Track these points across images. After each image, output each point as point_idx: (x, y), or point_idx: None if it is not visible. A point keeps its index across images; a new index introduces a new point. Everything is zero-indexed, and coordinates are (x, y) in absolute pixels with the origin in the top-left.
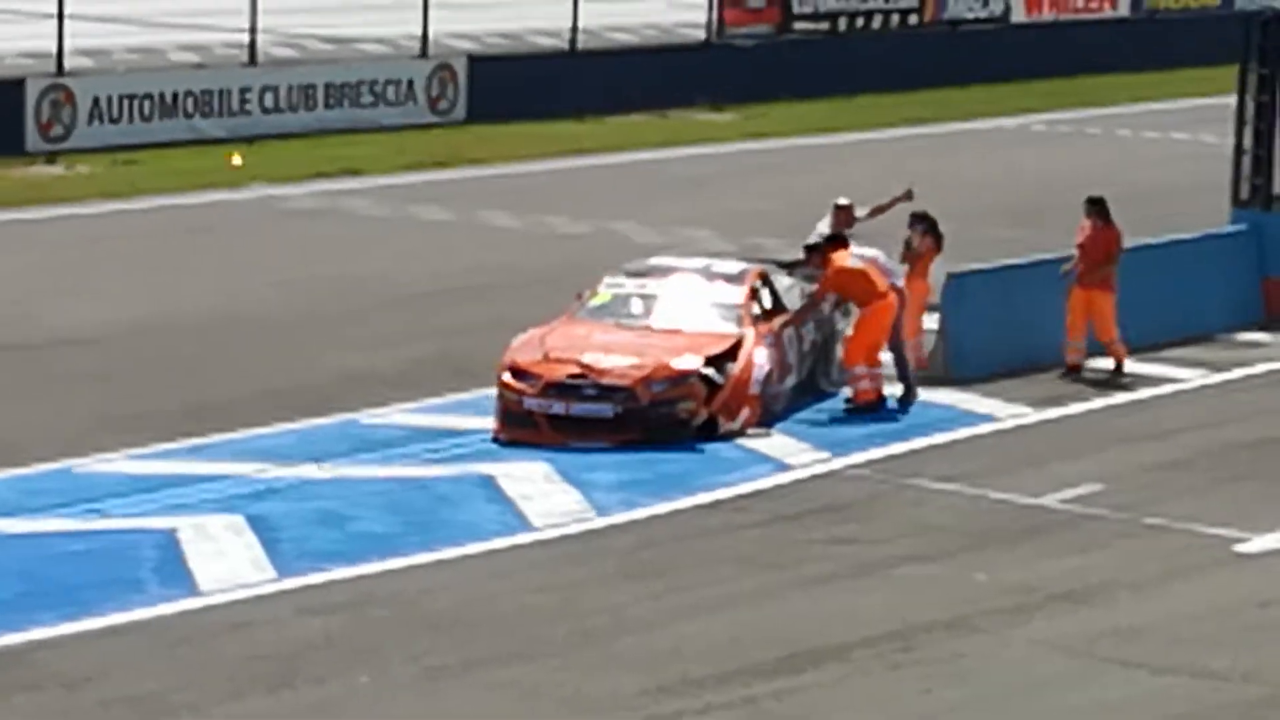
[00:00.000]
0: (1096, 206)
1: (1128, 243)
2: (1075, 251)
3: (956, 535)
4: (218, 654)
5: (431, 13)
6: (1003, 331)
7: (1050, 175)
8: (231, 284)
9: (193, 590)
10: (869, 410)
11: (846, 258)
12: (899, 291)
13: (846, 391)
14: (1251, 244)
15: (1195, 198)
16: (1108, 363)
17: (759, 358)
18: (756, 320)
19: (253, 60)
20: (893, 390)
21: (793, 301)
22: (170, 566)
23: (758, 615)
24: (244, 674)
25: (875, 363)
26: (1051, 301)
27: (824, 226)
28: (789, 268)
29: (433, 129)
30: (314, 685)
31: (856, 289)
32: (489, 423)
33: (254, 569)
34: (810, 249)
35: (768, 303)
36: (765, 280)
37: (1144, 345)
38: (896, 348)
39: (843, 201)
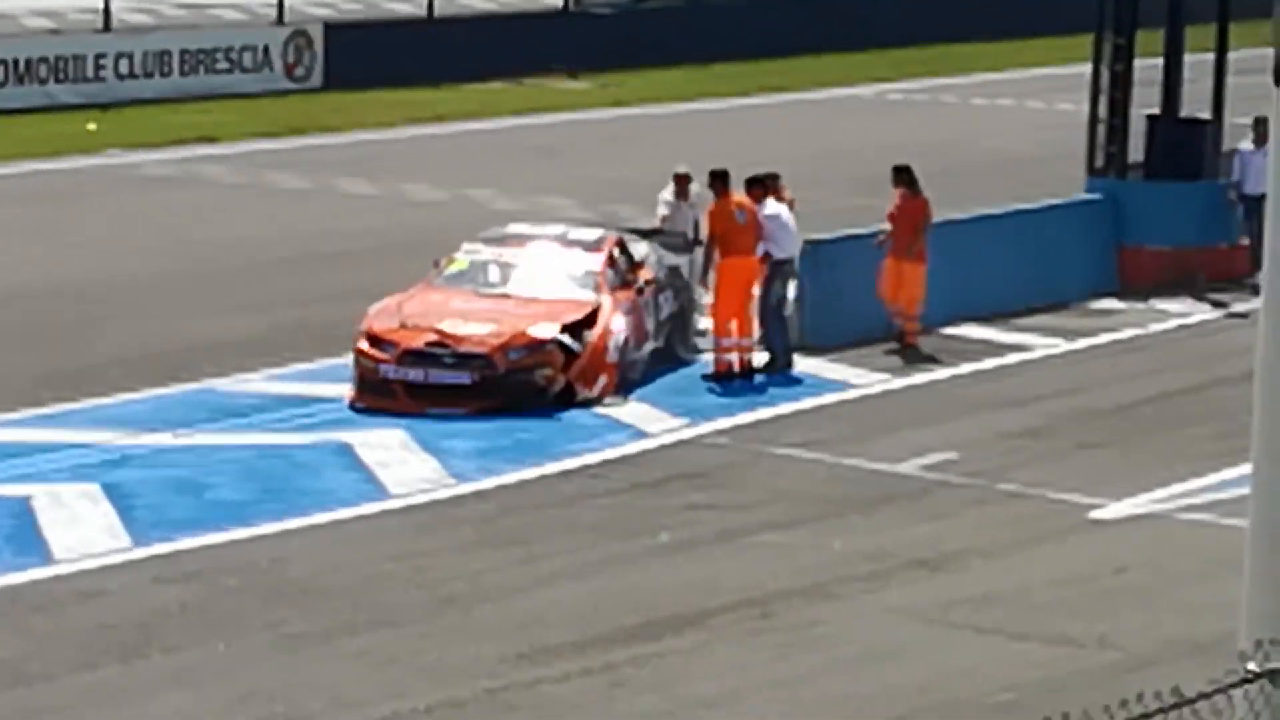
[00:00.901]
0: (904, 175)
1: (986, 210)
2: (887, 222)
3: (813, 502)
4: (71, 623)
5: None
6: (859, 300)
7: (905, 144)
8: (87, 251)
9: (47, 559)
10: (727, 379)
11: (741, 199)
12: (767, 258)
13: (709, 360)
14: (1107, 212)
15: (1051, 166)
16: (972, 331)
17: (616, 325)
18: (614, 287)
19: (107, 26)
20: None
21: (650, 269)
22: (24, 535)
23: (616, 582)
24: (98, 643)
25: (744, 332)
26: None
27: (667, 194)
28: (645, 235)
29: (289, 96)
30: (169, 654)
31: (718, 231)
32: (346, 390)
33: (109, 537)
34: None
35: (624, 270)
36: (623, 247)
37: (1001, 313)
38: (763, 314)
39: (681, 169)
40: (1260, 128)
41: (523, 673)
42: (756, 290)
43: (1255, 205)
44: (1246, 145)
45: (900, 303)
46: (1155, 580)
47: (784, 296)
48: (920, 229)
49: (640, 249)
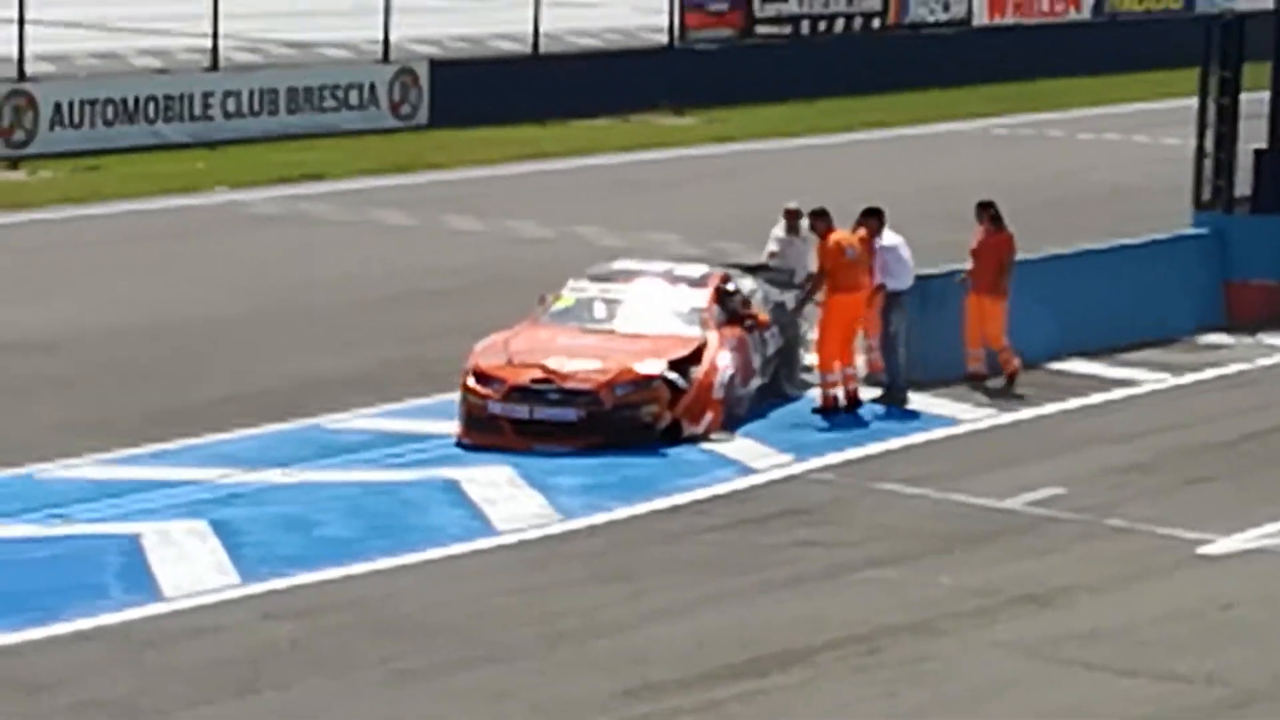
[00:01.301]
0: (988, 211)
1: (1091, 245)
2: (970, 258)
3: (919, 538)
4: (182, 659)
5: (393, 17)
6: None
7: (1012, 179)
8: (195, 289)
9: (157, 596)
10: (834, 413)
11: (843, 235)
12: (881, 289)
13: (815, 395)
14: (1213, 247)
15: (1157, 200)
16: (1079, 366)
17: (722, 361)
18: (720, 324)
19: (215, 65)
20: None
21: (757, 305)
22: (134, 572)
23: (722, 619)
24: (209, 679)
25: (847, 362)
26: (1012, 304)
27: (778, 230)
28: (751, 270)
29: (395, 133)
30: (279, 690)
31: (828, 267)
32: (453, 427)
33: (218, 574)
34: (816, 214)
35: (733, 306)
36: (728, 283)
37: (1108, 348)
38: (883, 347)
39: (791, 205)
40: None
41: (631, 709)
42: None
43: None
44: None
45: (987, 339)
46: (1264, 616)
47: (900, 329)
48: (1005, 265)
49: (746, 285)
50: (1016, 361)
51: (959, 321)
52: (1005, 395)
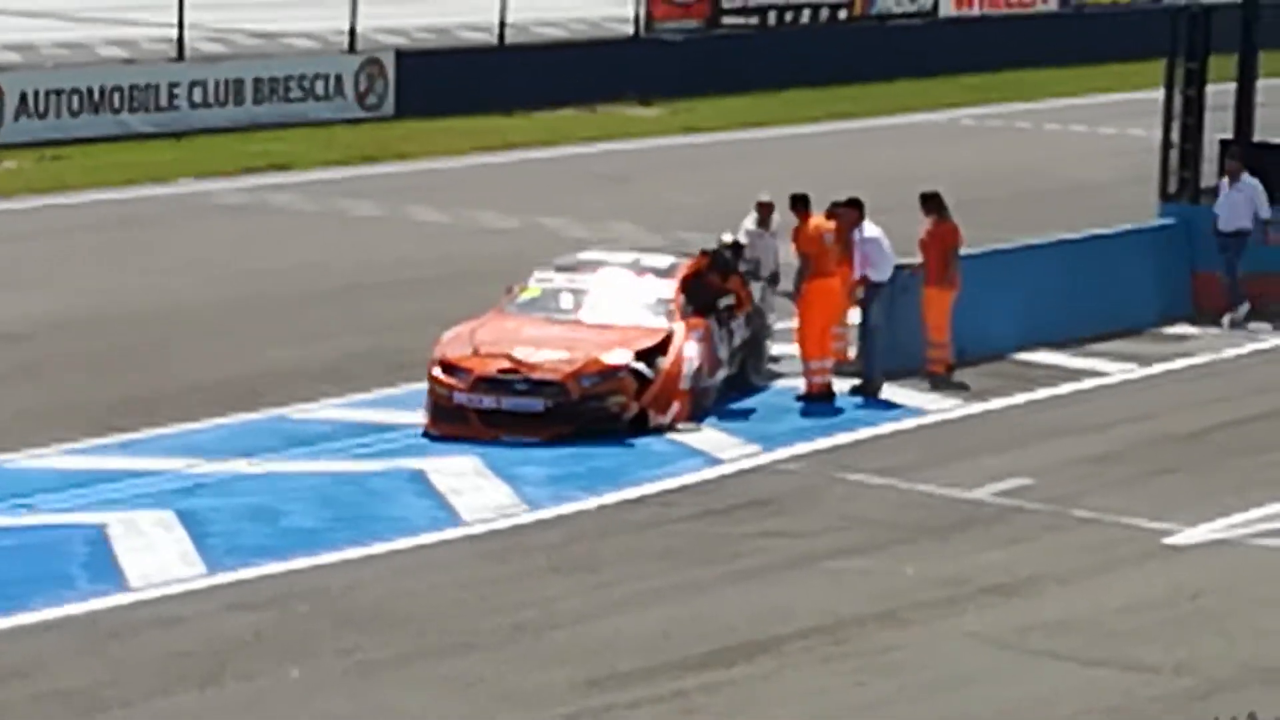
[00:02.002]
0: (933, 202)
1: (1059, 235)
2: (918, 250)
3: (886, 528)
4: (147, 649)
5: (360, 7)
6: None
7: (979, 170)
8: (160, 279)
9: (122, 586)
10: (820, 401)
11: (820, 221)
12: (863, 281)
13: (781, 385)
14: (1180, 237)
15: (1124, 191)
16: (1045, 357)
17: (689, 352)
18: (686, 314)
19: (181, 55)
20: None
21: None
22: (100, 562)
23: (688, 609)
24: (174, 670)
25: (827, 352)
26: (980, 295)
27: (749, 223)
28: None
29: (361, 124)
30: (243, 681)
31: (810, 252)
32: (419, 417)
33: (184, 564)
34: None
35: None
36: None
37: (1075, 338)
38: (861, 337)
39: (764, 198)
40: (1231, 163)
41: (595, 699)
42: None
43: (1228, 242)
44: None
45: (928, 330)
46: (1231, 606)
47: (880, 321)
48: (950, 256)
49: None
50: (945, 364)
51: (919, 313)
52: (971, 387)
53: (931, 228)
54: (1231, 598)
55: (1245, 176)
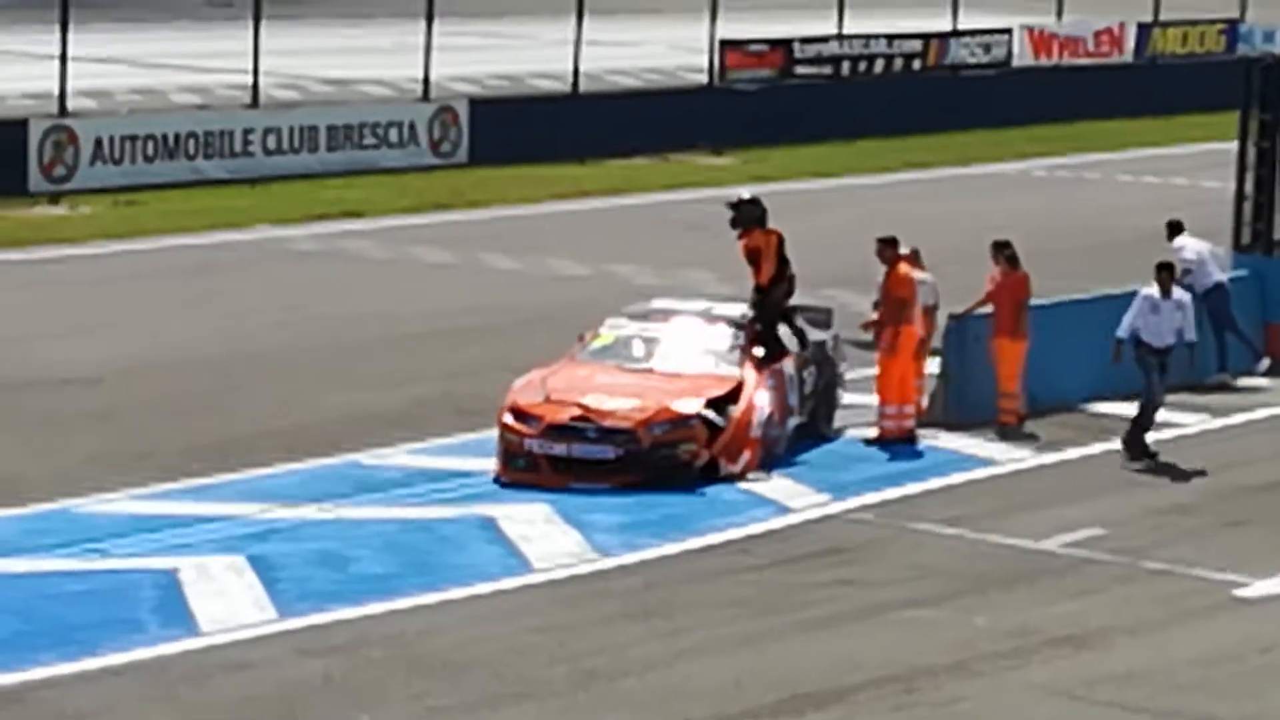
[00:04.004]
0: (1005, 250)
1: (1132, 287)
2: (986, 300)
3: (956, 579)
4: (218, 694)
5: (433, 55)
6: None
7: (1051, 220)
8: (234, 324)
9: (193, 630)
10: (896, 443)
11: (908, 267)
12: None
13: (855, 434)
14: (1253, 289)
15: None
16: (1118, 408)
17: (760, 400)
18: (758, 363)
19: (255, 102)
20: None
21: (793, 343)
22: (171, 606)
23: (759, 658)
24: (244, 714)
25: (907, 398)
26: (1050, 345)
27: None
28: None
29: (435, 171)
30: None
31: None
32: (491, 464)
33: (255, 609)
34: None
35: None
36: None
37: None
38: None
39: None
40: (1163, 274)
41: None
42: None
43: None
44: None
45: (1000, 381)
46: None
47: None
48: (1022, 306)
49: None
50: (1017, 415)
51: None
52: (1045, 437)
53: (1001, 278)
54: None
55: None
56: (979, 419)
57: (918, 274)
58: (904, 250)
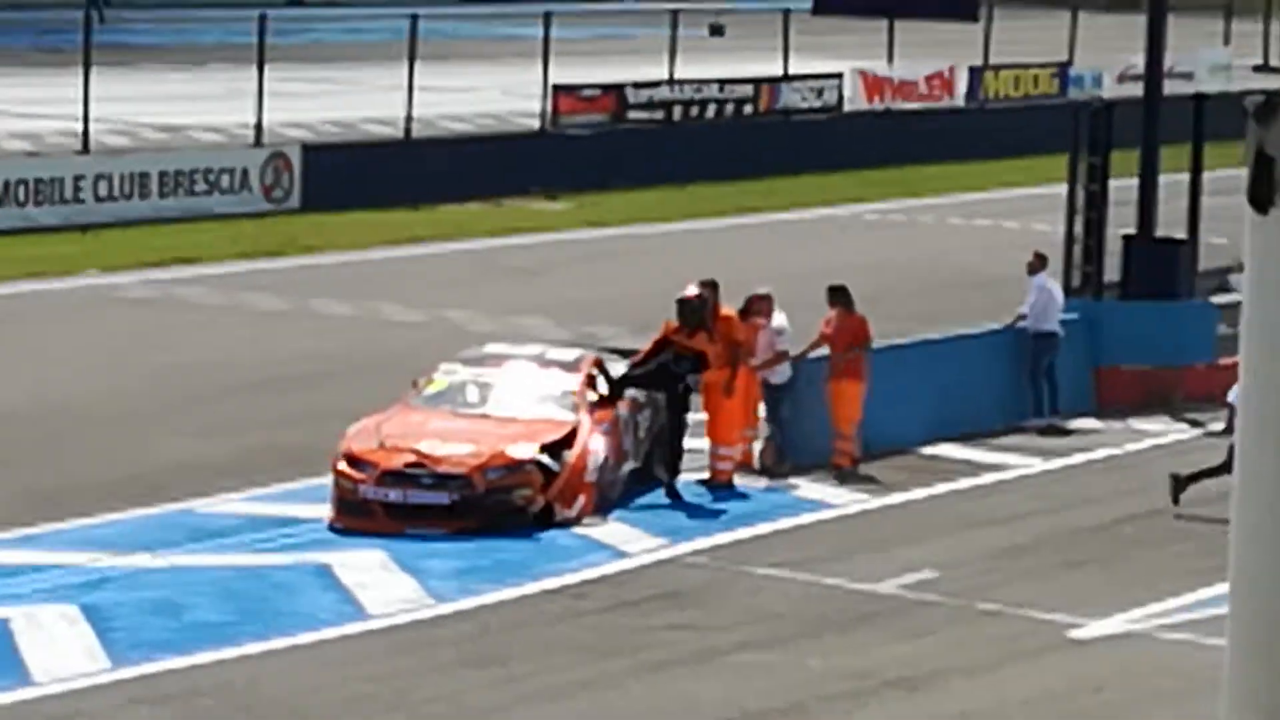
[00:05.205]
0: (840, 295)
1: (961, 330)
2: (822, 342)
3: (793, 622)
4: None
5: (265, 101)
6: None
7: (882, 264)
8: (64, 373)
9: (25, 680)
10: (721, 488)
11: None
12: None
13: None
14: (1083, 333)
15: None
16: (950, 450)
17: (595, 445)
18: (592, 407)
19: (86, 149)
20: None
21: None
22: (3, 656)
23: (596, 703)
24: None
25: (736, 441)
26: (891, 388)
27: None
28: (624, 355)
29: (267, 217)
30: None
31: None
32: (325, 511)
33: (87, 659)
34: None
35: (603, 389)
36: (600, 367)
37: (978, 432)
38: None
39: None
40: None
41: None
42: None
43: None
44: (1042, 279)
45: (837, 423)
46: (1133, 699)
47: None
48: (860, 349)
49: (618, 369)
50: (851, 458)
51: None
52: (879, 480)
53: (838, 321)
54: (1134, 692)
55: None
56: (812, 462)
57: (779, 319)
58: (762, 292)
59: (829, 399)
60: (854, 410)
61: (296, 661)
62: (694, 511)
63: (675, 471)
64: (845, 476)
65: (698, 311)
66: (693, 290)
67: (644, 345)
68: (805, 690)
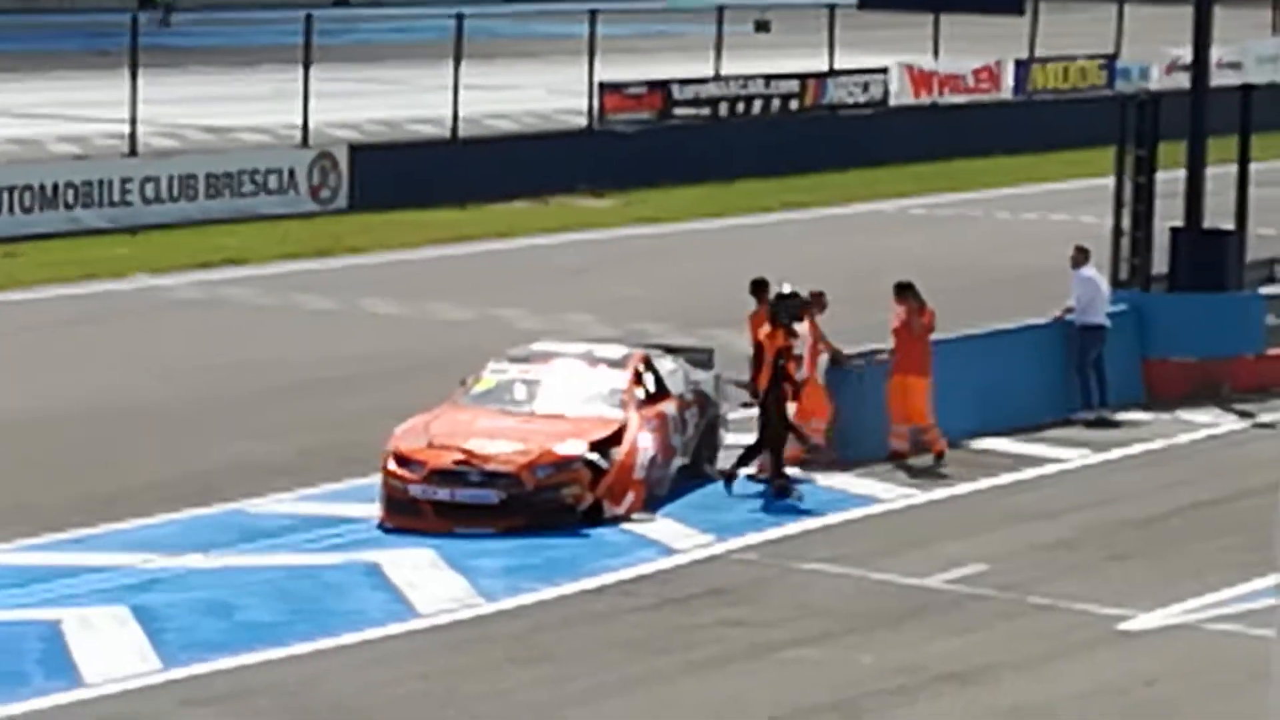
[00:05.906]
0: (908, 291)
1: (1010, 324)
2: (891, 337)
3: (842, 617)
4: None
5: (312, 102)
6: (886, 414)
7: (930, 258)
8: (115, 375)
9: (77, 682)
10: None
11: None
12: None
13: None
14: (1131, 324)
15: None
16: (999, 444)
17: (643, 442)
18: (640, 404)
19: (133, 151)
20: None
21: (676, 385)
22: (55, 658)
23: (646, 700)
24: None
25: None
26: (939, 382)
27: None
28: (672, 352)
29: (315, 218)
30: None
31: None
32: (374, 510)
33: (139, 660)
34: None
35: (651, 387)
36: (648, 364)
37: (1029, 425)
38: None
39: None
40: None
41: None
42: None
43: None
44: (1088, 271)
45: (912, 417)
46: (1185, 692)
47: None
48: (928, 343)
49: (666, 365)
50: (943, 440)
51: (878, 400)
52: (928, 474)
53: (906, 316)
54: (1186, 684)
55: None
56: (864, 458)
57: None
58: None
59: (893, 392)
60: (924, 402)
61: (347, 661)
62: (740, 507)
63: (750, 461)
64: (933, 464)
65: (795, 309)
66: (788, 288)
67: (690, 342)
68: (856, 686)
